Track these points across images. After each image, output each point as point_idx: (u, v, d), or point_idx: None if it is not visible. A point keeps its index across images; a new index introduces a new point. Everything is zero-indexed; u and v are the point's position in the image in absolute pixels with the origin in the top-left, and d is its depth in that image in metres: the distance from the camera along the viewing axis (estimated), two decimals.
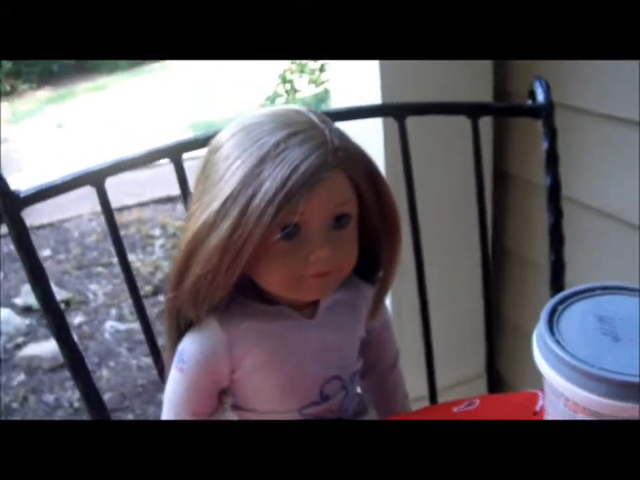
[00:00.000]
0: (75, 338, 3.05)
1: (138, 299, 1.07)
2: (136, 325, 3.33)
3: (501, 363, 2.04)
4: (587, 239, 1.59)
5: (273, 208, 0.74)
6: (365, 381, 1.04)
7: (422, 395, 1.26)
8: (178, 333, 0.90)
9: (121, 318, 3.45)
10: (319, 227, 0.80)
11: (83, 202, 4.62)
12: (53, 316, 0.95)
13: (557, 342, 0.69)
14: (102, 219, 3.70)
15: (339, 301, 0.93)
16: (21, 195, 0.94)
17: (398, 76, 1.65)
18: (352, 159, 0.81)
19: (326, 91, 5.18)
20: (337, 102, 1.96)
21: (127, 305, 3.52)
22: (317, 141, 0.77)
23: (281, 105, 0.85)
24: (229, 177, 0.77)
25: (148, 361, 3.04)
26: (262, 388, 0.91)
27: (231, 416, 0.95)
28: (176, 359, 0.89)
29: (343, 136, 0.81)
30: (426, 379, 1.27)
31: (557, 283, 1.19)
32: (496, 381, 2.05)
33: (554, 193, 1.17)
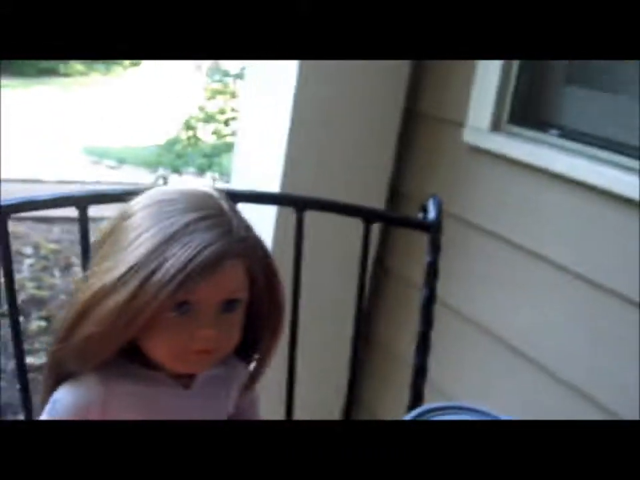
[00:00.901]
0: None
1: (18, 335, 1.07)
2: None
3: None
4: (455, 344, 1.69)
5: (171, 285, 0.79)
6: None
7: None
8: (55, 382, 0.92)
9: None
10: (210, 308, 0.85)
11: None
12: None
13: None
14: None
15: (215, 376, 0.97)
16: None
17: (303, 157, 1.73)
18: (253, 250, 0.87)
19: (226, 145, 5.23)
20: (239, 159, 2.01)
21: None
22: (223, 229, 0.83)
23: (195, 186, 0.90)
24: (136, 247, 0.82)
25: None
26: None
27: None
28: (49, 406, 0.91)
29: (248, 227, 0.87)
30: None
31: (417, 386, 1.27)
32: None
33: (428, 305, 1.26)
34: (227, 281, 0.84)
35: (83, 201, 1.06)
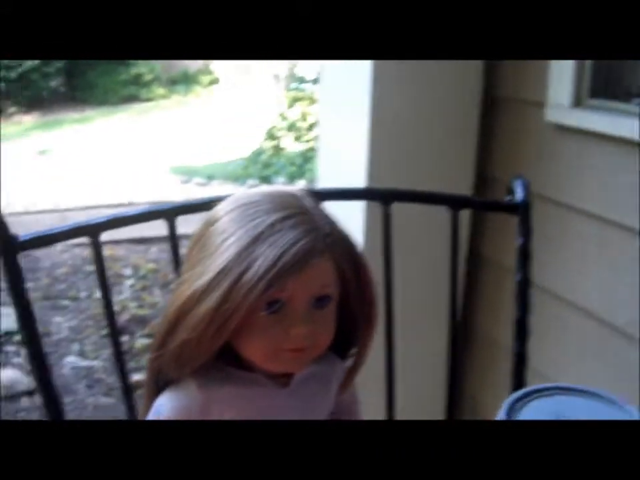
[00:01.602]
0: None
1: (119, 354, 1.10)
2: (96, 363, 3.32)
3: None
4: (555, 328, 1.65)
5: (262, 284, 0.80)
6: None
7: None
8: (156, 389, 0.94)
9: (82, 354, 3.43)
10: (302, 305, 0.85)
11: None
12: (37, 361, 0.98)
13: None
14: (74, 251, 3.71)
15: (312, 374, 0.97)
16: (19, 239, 0.98)
17: (386, 153, 1.73)
18: (339, 245, 0.87)
19: (311, 150, 5.26)
20: (323, 162, 2.02)
21: (90, 342, 3.52)
22: (309, 226, 0.83)
23: (277, 187, 0.91)
24: (223, 251, 0.83)
25: (105, 400, 3.03)
26: None
27: None
28: (152, 413, 0.93)
29: (333, 223, 0.87)
30: None
31: (518, 374, 1.24)
32: None
33: (523, 289, 1.23)
34: (317, 277, 0.85)
35: (170, 214, 1.08)
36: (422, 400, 2.00)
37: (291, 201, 0.86)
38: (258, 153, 5.48)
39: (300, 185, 5.92)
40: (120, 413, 2.86)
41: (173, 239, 1.09)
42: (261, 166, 5.48)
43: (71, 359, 3.38)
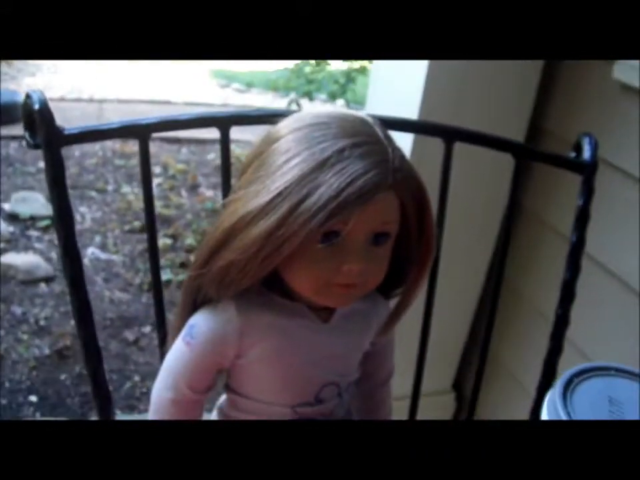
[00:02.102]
0: (54, 256, 3.02)
1: (157, 270, 1.06)
2: (116, 257, 3.32)
3: (466, 384, 2.07)
4: (605, 305, 1.60)
5: (323, 214, 0.74)
6: (355, 389, 1.05)
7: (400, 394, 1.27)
8: (192, 308, 0.90)
9: (103, 246, 3.42)
10: (359, 240, 0.80)
11: (90, 120, 4.60)
12: (70, 260, 0.95)
13: (568, 414, 0.69)
14: (106, 144, 3.69)
15: (355, 310, 0.93)
16: (65, 132, 0.93)
17: (442, 86, 1.65)
18: (407, 182, 0.81)
19: (358, 70, 5.13)
20: (375, 87, 1.94)
21: (112, 236, 3.51)
22: (379, 157, 0.77)
23: (347, 110, 0.84)
24: (285, 172, 0.77)
25: (121, 295, 3.04)
26: (261, 378, 0.91)
27: (224, 397, 0.96)
28: (185, 331, 0.89)
29: (403, 157, 0.81)
30: (408, 381, 1.28)
31: (558, 338, 1.19)
32: (460, 400, 2.10)
33: (576, 251, 1.17)
34: (380, 213, 0.79)
35: (225, 122, 1.02)
36: (452, 354, 1.99)
37: (362, 127, 0.80)
38: (302, 66, 5.34)
39: (339, 104, 5.82)
40: (134, 309, 2.91)
41: (226, 149, 1.03)
42: (304, 80, 5.36)
43: (92, 251, 3.37)
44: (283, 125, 0.83)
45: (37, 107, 0.89)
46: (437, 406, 2.06)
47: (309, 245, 0.78)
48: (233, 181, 0.99)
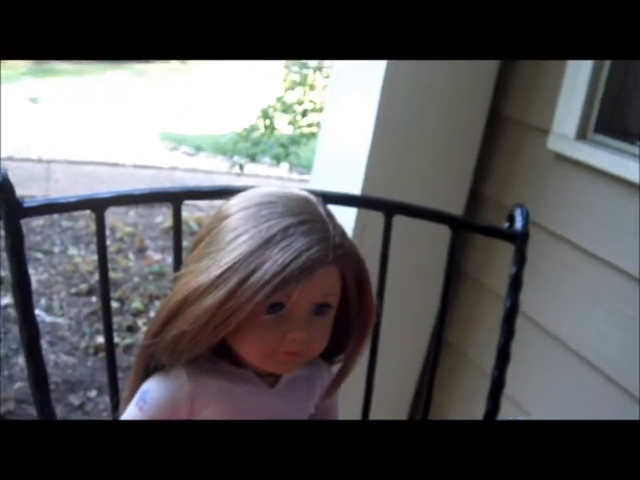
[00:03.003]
0: None
1: (109, 329, 1.09)
2: (62, 320, 3.30)
3: None
4: (532, 354, 1.67)
5: (268, 288, 0.80)
6: None
7: None
8: (145, 374, 0.94)
9: (49, 309, 3.41)
10: (302, 310, 0.86)
11: (35, 183, 4.58)
12: (27, 330, 0.98)
13: None
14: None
15: (300, 376, 0.98)
16: (24, 205, 0.97)
17: (386, 154, 1.73)
18: (347, 257, 0.87)
19: (303, 135, 5.26)
20: (322, 153, 2.02)
21: (58, 298, 3.49)
22: (321, 235, 0.84)
23: (292, 190, 0.90)
24: (234, 248, 0.83)
25: (66, 359, 3.02)
26: None
27: None
28: (138, 397, 0.93)
29: (343, 234, 0.87)
30: None
31: (495, 398, 1.25)
32: None
33: (511, 315, 1.24)
34: (322, 286, 0.85)
35: (178, 197, 1.08)
36: (395, 406, 2.03)
37: (305, 206, 0.86)
38: (250, 130, 5.44)
39: (283, 167, 5.91)
40: (79, 374, 2.89)
41: (178, 223, 1.08)
42: (251, 143, 5.46)
43: (37, 313, 3.34)
44: (233, 203, 0.89)
45: None
46: None
47: (255, 315, 0.84)
48: (184, 253, 1.03)
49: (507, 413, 1.30)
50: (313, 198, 0.89)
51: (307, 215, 0.85)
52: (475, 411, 1.33)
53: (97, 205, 1.04)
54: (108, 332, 1.10)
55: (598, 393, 1.56)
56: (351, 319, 0.94)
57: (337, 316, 0.92)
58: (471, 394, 1.88)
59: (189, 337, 0.85)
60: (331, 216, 0.88)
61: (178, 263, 1.04)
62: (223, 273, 0.82)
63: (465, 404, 1.91)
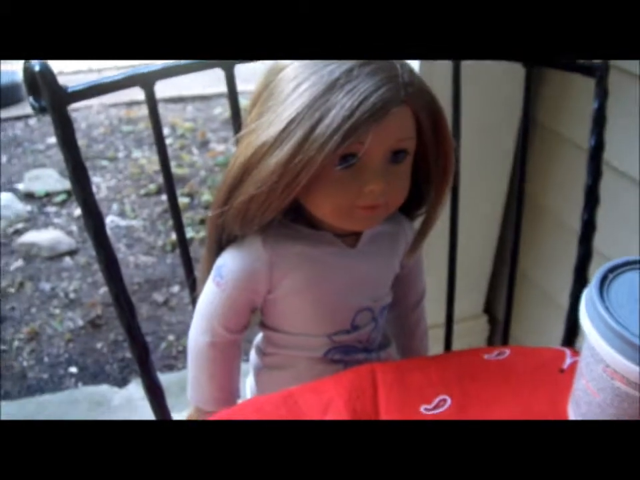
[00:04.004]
0: (75, 229, 3.03)
1: (181, 228, 1.06)
2: (136, 222, 3.32)
3: (498, 306, 2.07)
4: (617, 206, 1.58)
5: (338, 136, 0.73)
6: (388, 314, 1.05)
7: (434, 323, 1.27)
8: (218, 248, 0.90)
9: (122, 213, 3.43)
10: (377, 159, 0.79)
11: None
12: (92, 219, 0.95)
13: (607, 309, 0.69)
14: (110, 112, 3.65)
15: (381, 233, 0.93)
16: (69, 90, 0.92)
17: None
18: (419, 96, 0.79)
19: None
20: None
21: (129, 201, 3.51)
22: (389, 73, 0.76)
23: None
24: (295, 99, 0.75)
25: (145, 259, 3.05)
26: (296, 310, 0.91)
27: (259, 334, 0.96)
28: (214, 272, 0.89)
29: (412, 72, 0.79)
30: (440, 308, 1.29)
31: (586, 243, 1.18)
32: (493, 322, 2.10)
33: (596, 155, 1.15)
34: (395, 129, 0.78)
35: (228, 62, 1.01)
36: (474, 261, 1.98)
37: None
38: None
39: None
40: (160, 271, 2.92)
41: (232, 88, 1.02)
42: None
43: (111, 219, 3.38)
44: None
45: (37, 68, 0.88)
46: (471, 331, 2.07)
47: (327, 169, 0.77)
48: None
49: (594, 264, 1.22)
50: None
51: None
52: (563, 267, 1.27)
53: (146, 79, 0.98)
54: (178, 225, 1.07)
55: None
56: (430, 166, 0.87)
57: (414, 164, 0.85)
58: (558, 250, 1.81)
59: (259, 200, 0.79)
60: None
61: (238, 127, 0.97)
62: (286, 126, 0.75)
63: (552, 261, 1.84)
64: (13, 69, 4.74)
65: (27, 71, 0.90)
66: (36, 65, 0.88)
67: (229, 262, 0.88)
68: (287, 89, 0.77)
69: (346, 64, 0.75)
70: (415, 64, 1.48)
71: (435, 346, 1.19)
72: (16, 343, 2.52)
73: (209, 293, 0.90)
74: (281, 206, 0.80)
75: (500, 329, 1.97)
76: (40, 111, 0.92)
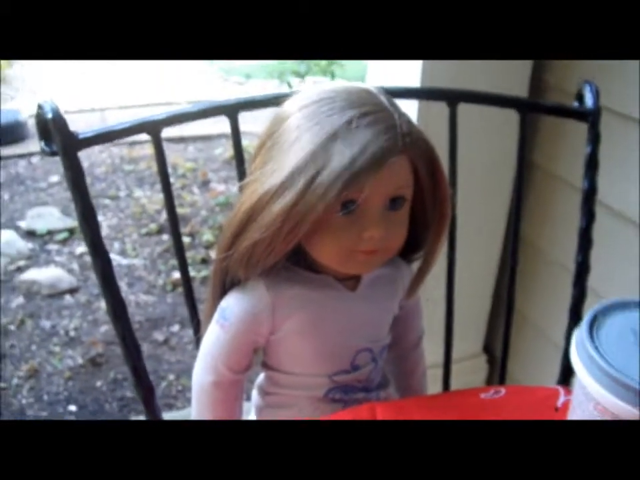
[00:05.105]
0: (76, 267, 3.04)
1: (185, 268, 1.08)
2: (137, 261, 3.35)
3: (496, 346, 2.08)
4: (613, 245, 1.61)
5: (339, 184, 0.76)
6: (388, 355, 1.07)
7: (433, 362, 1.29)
8: (222, 291, 0.93)
9: (123, 252, 3.45)
10: (376, 206, 0.82)
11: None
12: (100, 260, 0.97)
13: (596, 349, 0.71)
14: (113, 151, 3.70)
15: (380, 276, 0.96)
16: (80, 137, 0.95)
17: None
18: (417, 145, 0.83)
19: None
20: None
21: (130, 240, 3.54)
22: (387, 124, 0.79)
23: (350, 83, 0.86)
24: (298, 148, 0.79)
25: (146, 298, 3.08)
26: (297, 351, 0.94)
27: (262, 375, 0.99)
28: (218, 314, 0.92)
29: (410, 122, 0.83)
30: (439, 348, 1.31)
31: (580, 284, 1.21)
32: (491, 361, 2.12)
33: (589, 198, 1.19)
34: (394, 177, 0.81)
35: (232, 109, 1.05)
36: (473, 299, 2.00)
37: (366, 97, 0.82)
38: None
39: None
40: (160, 310, 2.94)
41: (236, 135, 1.06)
42: (296, 62, 5.35)
43: (113, 257, 3.39)
44: (290, 104, 0.85)
45: (50, 115, 0.91)
46: (470, 370, 2.08)
47: (329, 216, 0.80)
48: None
49: (588, 303, 1.25)
50: (373, 88, 0.84)
51: (370, 106, 0.80)
52: (559, 306, 1.30)
53: (153, 127, 1.01)
54: (183, 265, 1.09)
55: None
56: (427, 212, 0.91)
57: (412, 210, 0.89)
58: (553, 289, 1.84)
59: (263, 245, 0.82)
60: (394, 104, 0.83)
61: (242, 174, 1.01)
62: (289, 175, 0.78)
63: (548, 300, 1.87)
64: (16, 108, 4.80)
65: (40, 117, 0.93)
66: (48, 111, 0.91)
67: (232, 305, 0.91)
68: (290, 139, 0.80)
69: (346, 114, 0.78)
70: (413, 104, 1.54)
71: (433, 385, 1.21)
72: (15, 381, 2.53)
73: (213, 334, 0.93)
74: (284, 251, 0.83)
75: (498, 368, 1.99)
76: (51, 155, 0.96)
